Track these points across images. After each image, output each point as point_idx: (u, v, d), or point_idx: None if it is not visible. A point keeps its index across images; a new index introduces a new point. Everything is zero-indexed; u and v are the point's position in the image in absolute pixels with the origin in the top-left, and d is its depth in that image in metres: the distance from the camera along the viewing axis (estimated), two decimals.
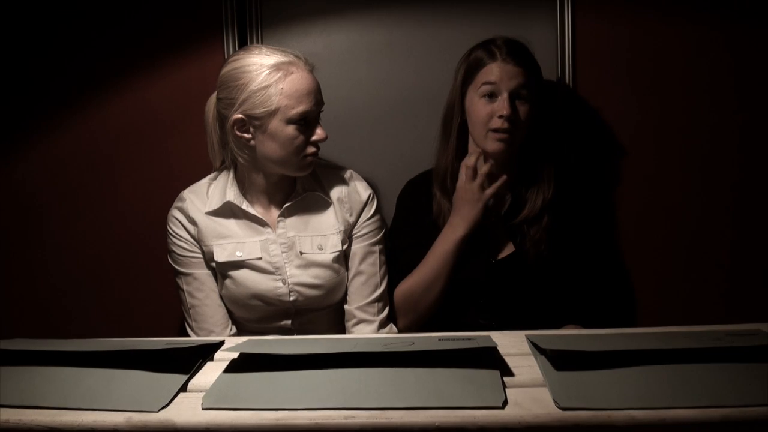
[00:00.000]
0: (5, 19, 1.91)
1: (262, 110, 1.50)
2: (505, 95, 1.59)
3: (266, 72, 1.50)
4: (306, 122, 1.53)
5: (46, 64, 1.92)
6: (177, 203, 1.65)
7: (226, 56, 1.84)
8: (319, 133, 1.56)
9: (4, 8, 1.90)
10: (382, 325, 1.66)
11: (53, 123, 1.94)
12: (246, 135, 1.54)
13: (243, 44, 1.87)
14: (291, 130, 1.52)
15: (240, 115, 1.52)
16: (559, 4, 1.83)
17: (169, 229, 1.64)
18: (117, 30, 1.89)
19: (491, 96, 1.61)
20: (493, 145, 1.62)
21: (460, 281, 1.68)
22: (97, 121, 1.92)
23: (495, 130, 1.60)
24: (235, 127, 1.54)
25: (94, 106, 1.92)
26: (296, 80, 1.51)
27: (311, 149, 1.56)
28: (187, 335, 1.66)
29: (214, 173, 1.69)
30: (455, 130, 1.69)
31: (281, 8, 1.89)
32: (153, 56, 1.89)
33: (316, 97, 1.54)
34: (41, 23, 1.91)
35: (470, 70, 1.65)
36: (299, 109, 1.51)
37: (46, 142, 1.95)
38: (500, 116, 1.58)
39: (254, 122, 1.52)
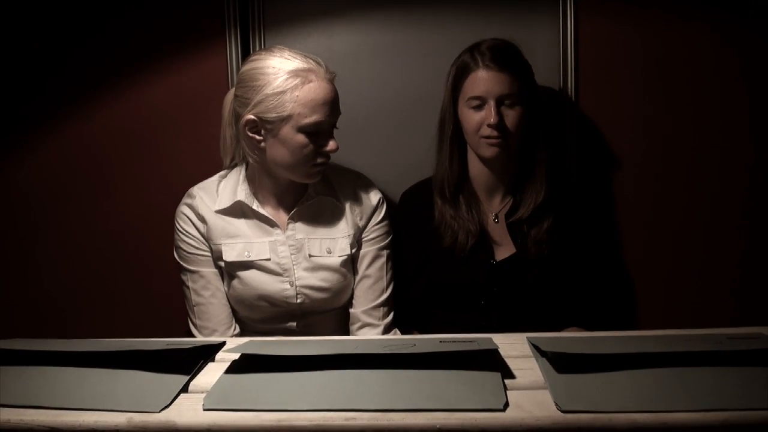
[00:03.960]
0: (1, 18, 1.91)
1: (275, 115, 1.49)
2: (491, 103, 1.59)
3: (284, 77, 1.49)
4: (318, 132, 1.52)
5: (43, 66, 1.91)
6: (186, 200, 1.65)
7: (228, 58, 1.84)
8: (330, 145, 1.54)
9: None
10: (387, 329, 1.65)
11: (50, 125, 1.93)
12: (257, 136, 1.54)
13: (246, 46, 1.87)
14: (301, 138, 1.51)
15: (252, 116, 1.51)
16: (561, 5, 1.83)
17: (178, 226, 1.64)
18: (117, 31, 1.88)
19: (479, 105, 1.61)
20: (487, 150, 1.62)
21: (462, 283, 1.68)
22: (96, 124, 1.92)
23: (486, 137, 1.61)
24: (246, 127, 1.53)
25: (92, 109, 1.91)
26: (313, 89, 1.50)
27: (321, 159, 1.55)
28: (188, 335, 1.66)
29: (224, 171, 1.69)
30: (448, 137, 1.69)
31: (284, 9, 1.89)
32: (154, 58, 1.88)
33: (332, 107, 1.53)
34: (39, 23, 1.90)
35: (457, 76, 1.65)
36: (312, 118, 1.50)
37: (44, 144, 1.94)
38: (488, 125, 1.59)
39: (266, 125, 1.51)
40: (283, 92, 1.48)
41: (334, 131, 1.57)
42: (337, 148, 1.55)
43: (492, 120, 1.57)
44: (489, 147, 1.61)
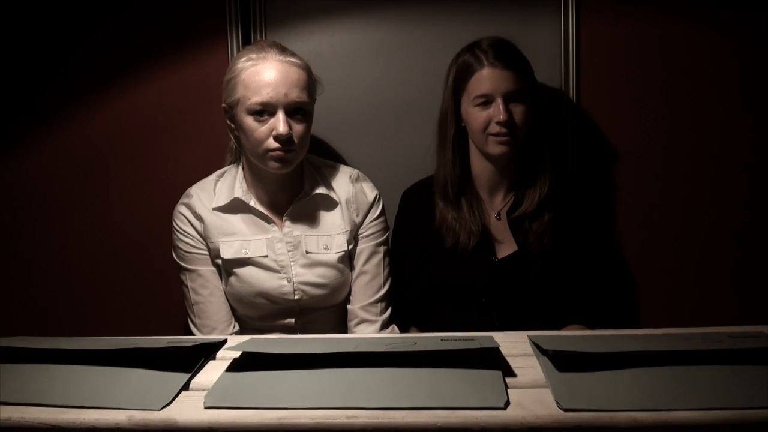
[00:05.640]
0: (1, 16, 1.90)
1: (230, 100, 1.55)
2: (498, 100, 1.59)
3: (239, 63, 1.54)
4: (265, 113, 1.52)
5: (43, 64, 1.91)
6: (184, 199, 1.66)
7: (229, 56, 1.84)
8: (277, 127, 1.51)
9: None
10: (385, 325, 1.66)
11: (53, 123, 1.93)
12: (232, 124, 1.60)
13: (247, 44, 1.87)
14: (250, 121, 1.52)
15: (223, 104, 1.58)
16: (562, 5, 1.83)
17: (175, 225, 1.64)
18: (119, 29, 1.89)
19: (485, 103, 1.61)
20: (495, 148, 1.62)
21: (463, 281, 1.68)
22: (99, 121, 1.92)
23: (495, 135, 1.61)
24: (225, 117, 1.60)
25: (95, 106, 1.92)
26: (258, 71, 1.52)
27: (274, 144, 1.52)
28: (188, 333, 1.66)
29: (222, 170, 1.70)
30: (450, 137, 1.69)
31: (285, 8, 1.89)
32: (155, 56, 1.89)
33: (278, 89, 1.50)
34: (38, 22, 1.90)
35: (460, 76, 1.65)
36: (256, 99, 1.51)
37: (46, 141, 1.94)
38: (497, 122, 1.59)
39: (231, 112, 1.57)
40: (235, 77, 1.54)
41: (299, 117, 1.54)
42: (286, 133, 1.49)
43: (502, 117, 1.58)
44: (498, 145, 1.61)
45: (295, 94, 1.52)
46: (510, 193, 1.72)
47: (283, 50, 1.56)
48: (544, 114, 1.69)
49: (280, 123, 1.50)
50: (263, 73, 1.51)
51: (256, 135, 1.52)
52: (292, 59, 1.55)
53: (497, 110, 1.59)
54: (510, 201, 1.71)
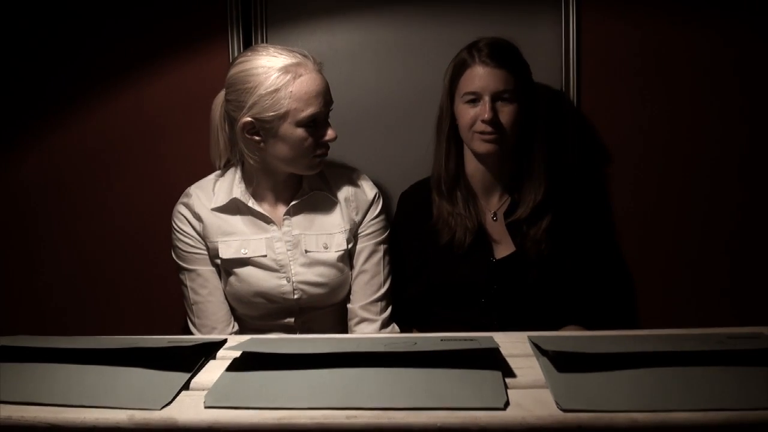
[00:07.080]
0: (1, 15, 1.90)
1: (272, 114, 1.50)
2: (486, 99, 1.59)
3: (275, 75, 1.49)
4: (316, 123, 1.53)
5: (44, 63, 1.91)
6: (183, 199, 1.65)
7: (231, 56, 1.84)
8: (329, 134, 1.56)
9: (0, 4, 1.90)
10: (385, 324, 1.66)
11: (51, 124, 1.93)
12: (256, 137, 1.54)
13: (248, 44, 1.87)
14: (301, 132, 1.52)
15: (249, 119, 1.52)
16: (563, 5, 1.83)
17: (174, 225, 1.64)
18: (121, 28, 1.89)
19: (474, 100, 1.61)
20: (480, 146, 1.63)
21: (462, 281, 1.68)
22: (100, 120, 1.92)
23: (480, 133, 1.61)
24: (244, 131, 1.54)
25: (96, 105, 1.92)
26: (305, 82, 1.50)
27: (321, 150, 1.57)
28: (188, 333, 1.66)
29: (221, 170, 1.69)
30: (445, 134, 1.70)
31: (287, 7, 1.89)
32: (156, 55, 1.89)
33: (325, 97, 1.54)
34: (40, 20, 1.90)
35: (455, 73, 1.65)
36: (309, 111, 1.51)
37: (48, 140, 1.94)
38: (483, 120, 1.59)
39: (264, 125, 1.52)
40: (276, 90, 1.49)
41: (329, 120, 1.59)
42: (336, 136, 1.57)
43: (486, 116, 1.58)
44: (483, 143, 1.61)
45: (332, 101, 1.57)
46: (506, 195, 1.72)
47: (310, 57, 1.55)
48: (539, 116, 1.68)
49: (330, 129, 1.57)
50: (311, 85, 1.51)
51: (307, 144, 1.54)
52: (319, 66, 1.56)
53: (483, 109, 1.59)
54: (506, 203, 1.71)
